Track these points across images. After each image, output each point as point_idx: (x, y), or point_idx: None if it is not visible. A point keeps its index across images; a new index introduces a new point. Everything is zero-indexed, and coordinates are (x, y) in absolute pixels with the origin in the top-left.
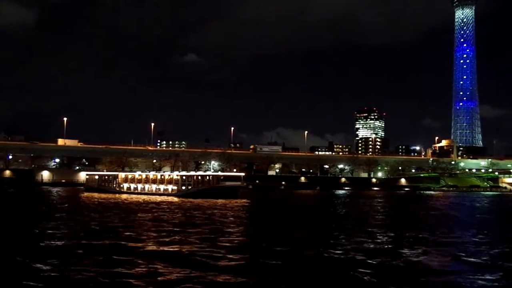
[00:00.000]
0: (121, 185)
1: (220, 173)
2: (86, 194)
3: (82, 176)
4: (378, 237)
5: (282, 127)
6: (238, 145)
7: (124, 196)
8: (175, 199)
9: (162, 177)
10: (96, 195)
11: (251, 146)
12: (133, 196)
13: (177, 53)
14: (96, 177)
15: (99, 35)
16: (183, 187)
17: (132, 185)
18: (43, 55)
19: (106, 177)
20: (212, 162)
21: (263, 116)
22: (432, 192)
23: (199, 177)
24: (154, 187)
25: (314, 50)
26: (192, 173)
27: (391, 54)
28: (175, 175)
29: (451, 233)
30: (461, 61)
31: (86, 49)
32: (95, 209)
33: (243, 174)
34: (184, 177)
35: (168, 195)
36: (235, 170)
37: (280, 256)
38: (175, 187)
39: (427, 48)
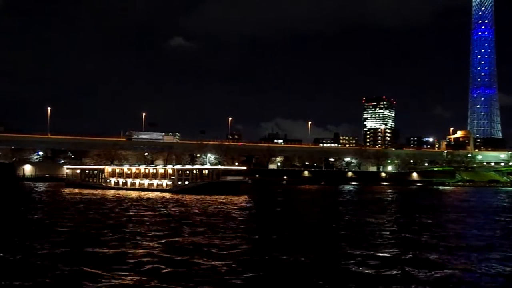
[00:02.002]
0: (108, 180)
1: (220, 166)
2: (66, 190)
3: None
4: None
5: (281, 118)
6: (236, 136)
7: (111, 192)
8: (170, 195)
9: (155, 171)
10: (77, 191)
11: (126, 133)
12: (122, 192)
13: (169, 37)
14: (78, 171)
15: (85, 19)
16: (179, 182)
17: (121, 180)
18: (24, 39)
19: (90, 171)
20: (208, 155)
21: (260, 105)
22: (446, 188)
23: (197, 171)
24: (146, 182)
25: (316, 32)
26: (189, 166)
27: (401, 37)
28: (170, 168)
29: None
30: (479, 44)
31: (71, 34)
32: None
33: (245, 168)
34: (180, 171)
35: (162, 190)
36: (236, 163)
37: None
38: (170, 182)
39: (441, 30)
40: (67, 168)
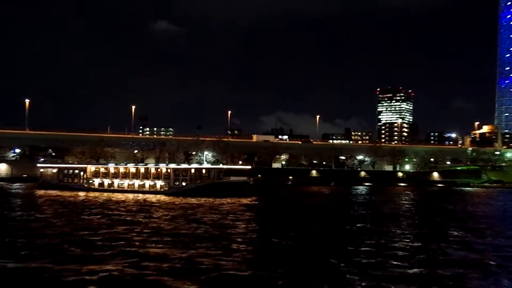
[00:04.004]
0: (91, 181)
1: (222, 166)
2: (40, 192)
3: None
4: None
5: (282, 111)
6: (236, 132)
7: (94, 194)
8: (165, 197)
9: (147, 170)
10: (54, 193)
11: None
12: (107, 194)
13: (160, 24)
14: (55, 170)
15: (69, 5)
16: (176, 183)
17: (106, 181)
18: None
19: (70, 170)
20: (205, 152)
21: (259, 98)
22: (471, 189)
23: (196, 171)
24: (136, 183)
25: (322, 17)
26: (186, 165)
27: (418, 21)
28: (165, 167)
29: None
30: (508, 29)
31: (54, 22)
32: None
33: (249, 167)
34: (176, 171)
35: (156, 192)
36: (240, 162)
37: None
38: (164, 183)
39: (464, 13)
40: (41, 167)
